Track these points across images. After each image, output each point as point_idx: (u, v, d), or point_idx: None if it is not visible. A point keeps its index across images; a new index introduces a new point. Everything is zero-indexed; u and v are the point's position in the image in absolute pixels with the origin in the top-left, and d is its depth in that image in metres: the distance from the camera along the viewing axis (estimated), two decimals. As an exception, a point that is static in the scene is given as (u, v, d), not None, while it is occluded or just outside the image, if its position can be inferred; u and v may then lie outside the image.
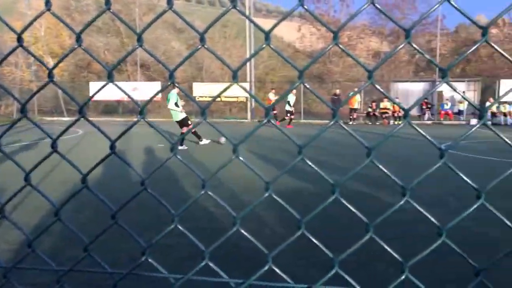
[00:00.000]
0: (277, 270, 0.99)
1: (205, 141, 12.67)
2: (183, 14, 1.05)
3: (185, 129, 12.00)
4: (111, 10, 0.95)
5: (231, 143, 0.95)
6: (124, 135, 1.02)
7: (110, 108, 30.60)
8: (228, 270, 3.77)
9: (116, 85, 1.03)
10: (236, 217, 0.97)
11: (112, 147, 1.00)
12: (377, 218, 0.98)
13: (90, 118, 1.05)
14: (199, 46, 0.93)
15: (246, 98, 26.53)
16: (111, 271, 1.16)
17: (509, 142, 0.92)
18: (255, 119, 26.60)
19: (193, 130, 11.98)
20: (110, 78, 0.99)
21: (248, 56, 27.37)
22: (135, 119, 1.00)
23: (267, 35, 0.92)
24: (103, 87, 1.14)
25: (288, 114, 21.01)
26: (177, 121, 12.08)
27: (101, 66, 1.15)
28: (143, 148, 11.86)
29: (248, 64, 25.46)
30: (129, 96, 1.09)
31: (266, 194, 0.97)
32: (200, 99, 25.05)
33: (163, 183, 7.05)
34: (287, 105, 21.02)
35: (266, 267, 0.98)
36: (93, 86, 26.76)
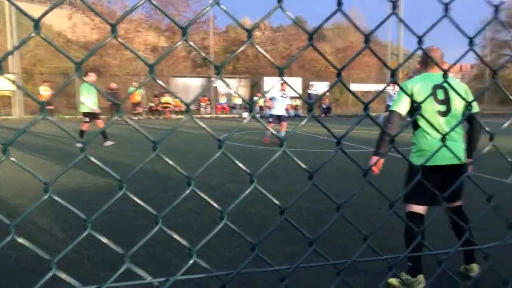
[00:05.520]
0: (61, 275, 0.93)
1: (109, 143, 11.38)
2: None
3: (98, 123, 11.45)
4: None
5: (0, 143, 0.84)
6: None
7: None
8: (4, 285, 3.29)
9: None
10: (10, 225, 0.86)
11: None
12: (166, 209, 1.01)
13: None
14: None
15: (12, 91, 23.29)
16: None
17: (274, 132, 1.08)
18: (25, 115, 23.64)
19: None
20: None
21: (9, 43, 23.98)
22: None
23: (37, 23, 0.84)
24: None
25: None
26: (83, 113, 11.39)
27: None
28: None
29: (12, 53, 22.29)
30: None
31: (46, 196, 0.89)
32: None
33: None
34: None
35: (50, 274, 0.91)
36: None
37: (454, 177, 3.17)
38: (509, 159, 1.28)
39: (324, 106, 27.74)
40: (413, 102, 3.44)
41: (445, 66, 4.12)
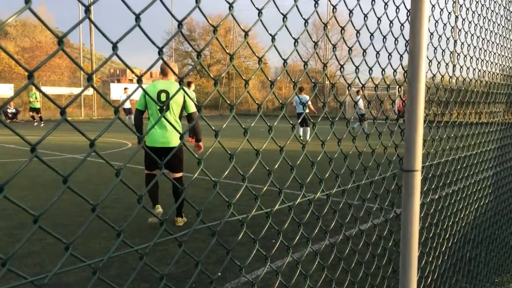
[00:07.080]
0: None
1: None
2: None
3: None
4: None
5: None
6: None
7: None
8: None
9: None
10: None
11: None
12: None
13: None
14: None
15: None
16: None
17: None
18: None
19: None
20: None
21: None
22: None
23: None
24: None
25: None
26: None
27: None
28: None
29: None
30: None
31: None
32: None
33: None
34: None
35: None
36: None
37: (166, 155, 4.45)
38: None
39: (10, 111, 24.64)
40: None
41: (170, 76, 4.89)
